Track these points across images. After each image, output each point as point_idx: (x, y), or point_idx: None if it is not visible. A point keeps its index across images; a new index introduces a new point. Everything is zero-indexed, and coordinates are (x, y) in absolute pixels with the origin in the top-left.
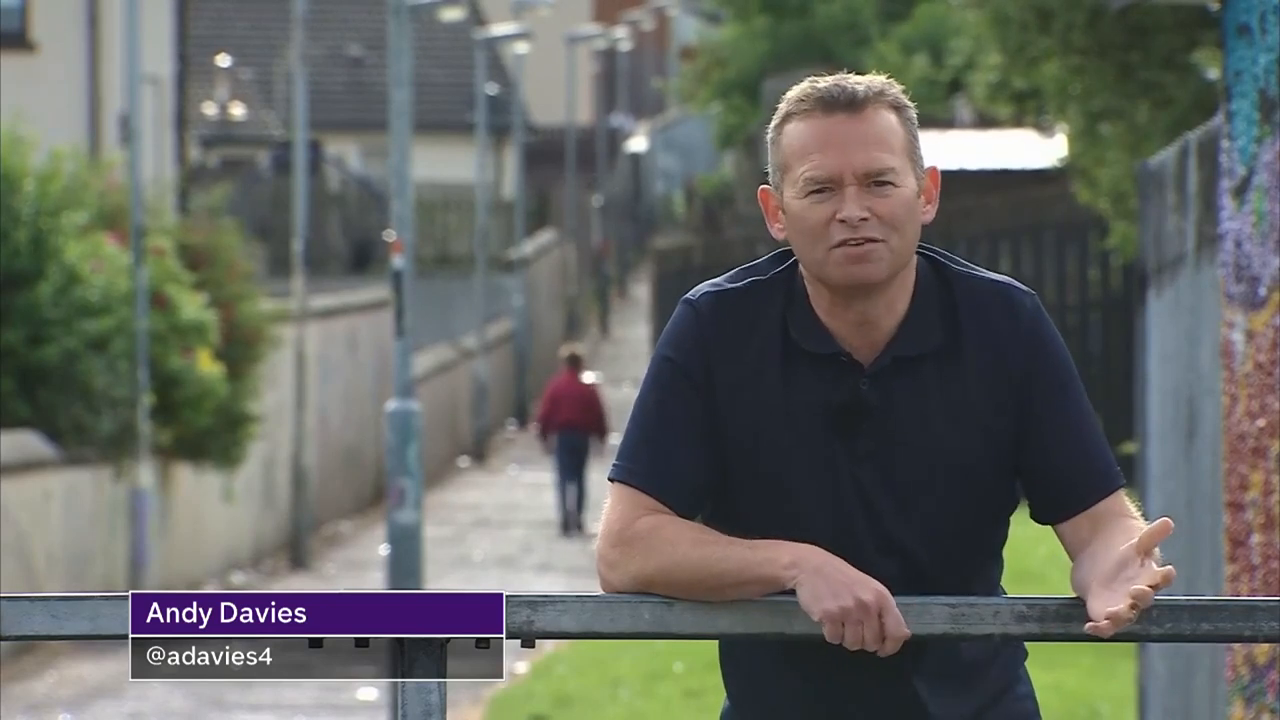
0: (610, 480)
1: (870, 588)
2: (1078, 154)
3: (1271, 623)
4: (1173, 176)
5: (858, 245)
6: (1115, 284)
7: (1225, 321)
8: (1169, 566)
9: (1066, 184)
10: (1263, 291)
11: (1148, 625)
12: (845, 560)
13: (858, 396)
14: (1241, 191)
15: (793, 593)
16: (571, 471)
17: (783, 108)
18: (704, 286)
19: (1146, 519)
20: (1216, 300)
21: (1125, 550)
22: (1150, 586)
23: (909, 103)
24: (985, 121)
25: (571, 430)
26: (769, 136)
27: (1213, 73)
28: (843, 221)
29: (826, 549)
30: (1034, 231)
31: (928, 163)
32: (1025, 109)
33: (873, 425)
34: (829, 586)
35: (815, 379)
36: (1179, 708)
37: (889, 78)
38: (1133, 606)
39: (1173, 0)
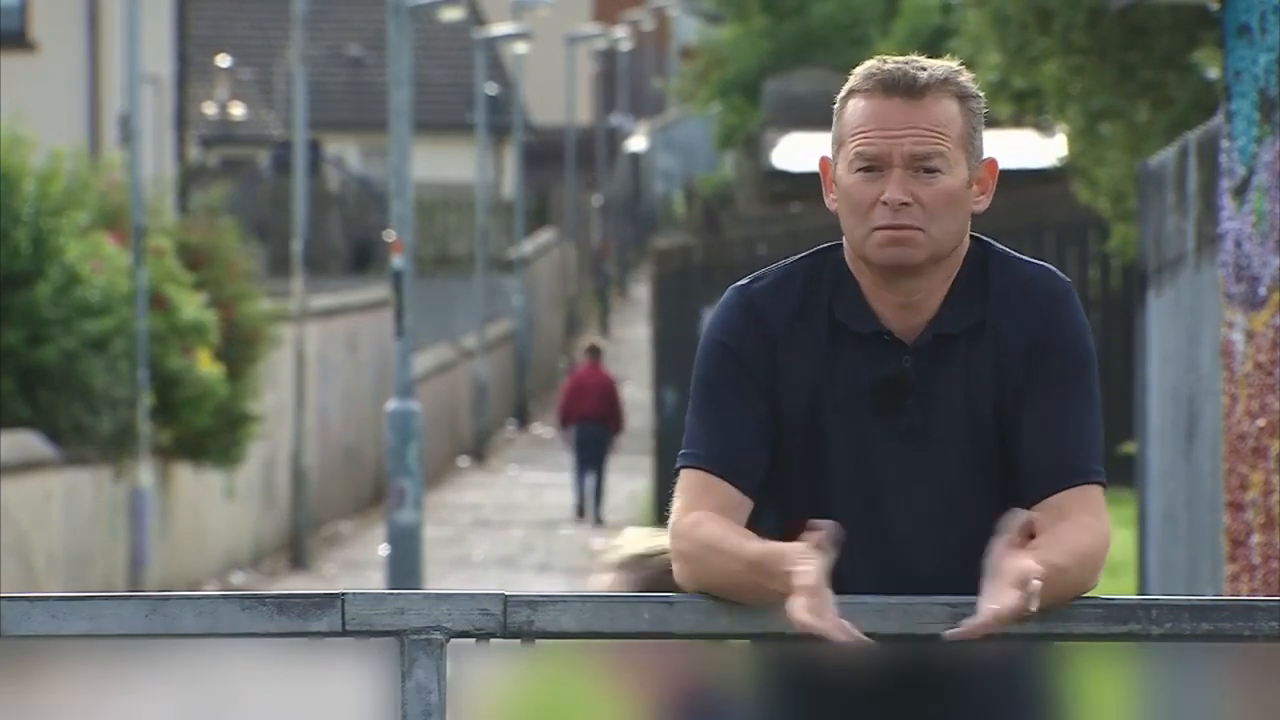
0: (678, 469)
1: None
2: (1078, 154)
3: (1271, 623)
4: (1173, 176)
5: (896, 230)
6: (1115, 284)
7: (1225, 321)
8: (1028, 566)
9: (1066, 184)
10: (1263, 291)
11: (1148, 625)
12: (877, 538)
13: (901, 373)
14: (1241, 191)
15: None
16: (591, 463)
17: (850, 82)
18: (749, 277)
19: (1146, 519)
20: (1216, 300)
21: (1000, 546)
22: (1011, 603)
23: (976, 92)
24: (985, 121)
25: (591, 422)
26: (834, 109)
27: (1213, 73)
28: (885, 204)
29: (856, 527)
30: (1034, 231)
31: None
32: (1025, 109)
33: (915, 402)
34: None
35: (859, 358)
36: None
37: (961, 64)
38: (995, 618)
39: (1173, 0)
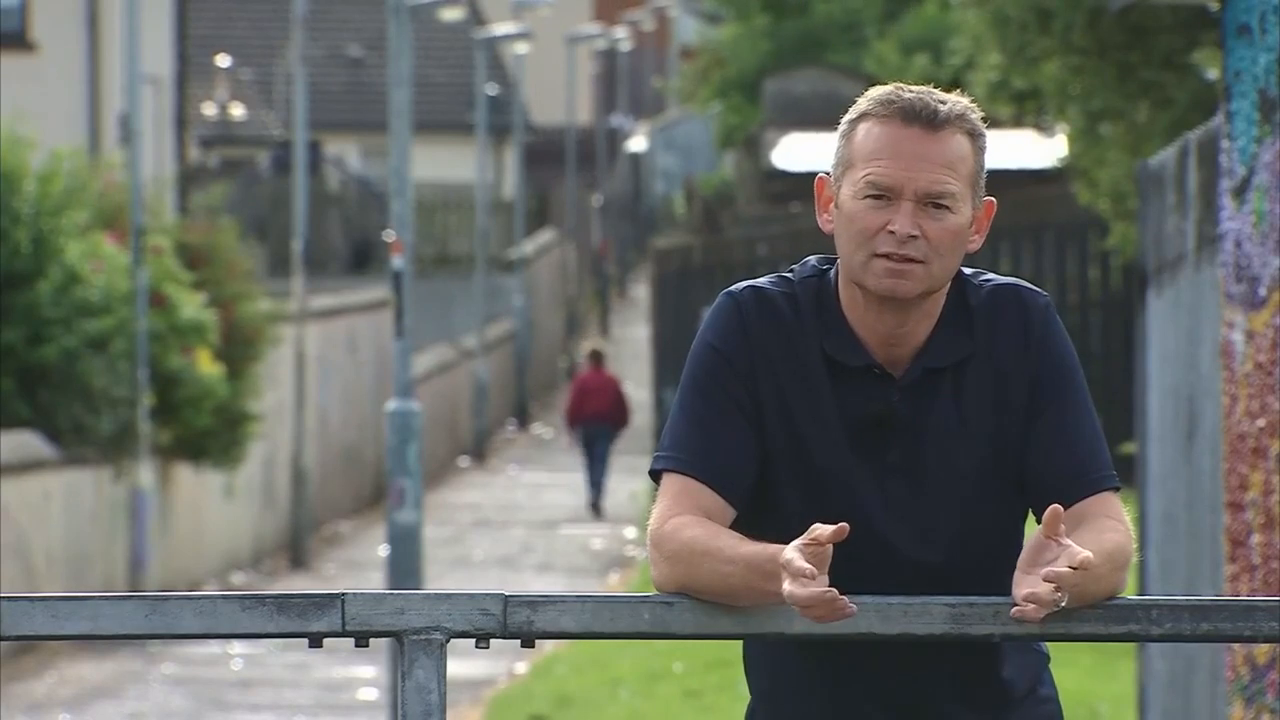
0: (658, 470)
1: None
2: (1078, 154)
3: (1271, 623)
4: (1173, 176)
5: (899, 262)
6: (1115, 284)
7: (1225, 321)
8: (1087, 553)
9: (1066, 184)
10: (1263, 291)
11: (1148, 625)
12: (871, 570)
13: (890, 409)
14: (1241, 191)
15: None
16: (598, 460)
17: (861, 105)
18: (743, 283)
19: (1146, 519)
20: (1216, 300)
21: (1036, 536)
22: (1070, 568)
23: (984, 131)
24: (985, 121)
25: (598, 422)
26: (840, 130)
27: (1213, 73)
28: (892, 233)
29: (846, 559)
30: (1034, 231)
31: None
32: (1025, 109)
33: (903, 437)
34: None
35: (846, 390)
36: (1179, 708)
37: (965, 94)
38: (1056, 588)
39: (1173, 0)
